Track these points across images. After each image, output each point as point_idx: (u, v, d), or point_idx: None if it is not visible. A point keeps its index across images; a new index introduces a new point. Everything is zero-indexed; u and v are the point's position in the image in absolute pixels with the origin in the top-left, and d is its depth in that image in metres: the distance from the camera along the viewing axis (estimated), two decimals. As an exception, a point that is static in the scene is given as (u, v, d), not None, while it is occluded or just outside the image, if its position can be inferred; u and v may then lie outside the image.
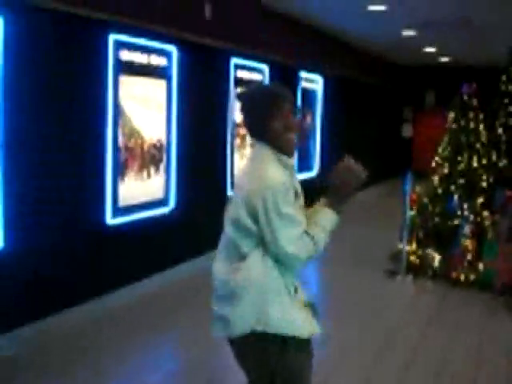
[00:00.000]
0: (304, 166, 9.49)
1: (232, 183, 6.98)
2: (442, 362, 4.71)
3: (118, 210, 5.41)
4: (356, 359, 4.72)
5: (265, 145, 2.60)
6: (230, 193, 7.05)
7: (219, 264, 2.65)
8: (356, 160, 2.64)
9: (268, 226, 2.49)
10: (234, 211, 2.58)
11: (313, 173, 9.92)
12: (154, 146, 5.84)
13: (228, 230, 2.62)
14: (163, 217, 6.08)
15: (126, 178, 5.47)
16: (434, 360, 4.73)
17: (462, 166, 7.05)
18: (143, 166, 5.68)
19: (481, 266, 6.55)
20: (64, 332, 4.82)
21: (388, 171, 14.34)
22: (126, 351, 4.69)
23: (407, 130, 15.80)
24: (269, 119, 2.57)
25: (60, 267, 4.89)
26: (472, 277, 6.56)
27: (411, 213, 7.07)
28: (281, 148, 2.60)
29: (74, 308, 5.02)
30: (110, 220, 5.36)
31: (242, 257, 2.55)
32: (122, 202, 5.44)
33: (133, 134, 5.52)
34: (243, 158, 7.28)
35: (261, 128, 2.60)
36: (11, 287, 4.47)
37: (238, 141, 7.38)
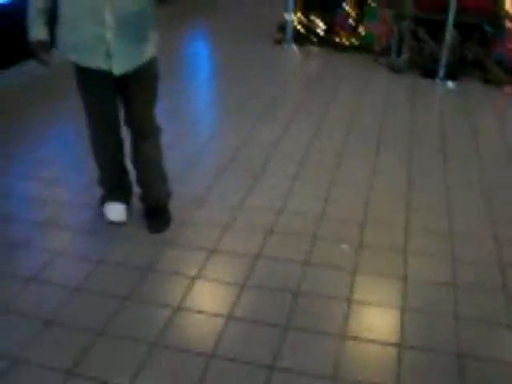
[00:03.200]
0: None
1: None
2: (323, 113, 5.18)
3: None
4: (248, 112, 5.11)
5: None
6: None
7: None
8: None
9: None
10: None
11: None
12: None
13: None
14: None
15: None
16: (315, 112, 5.19)
17: None
18: None
19: (362, 30, 6.91)
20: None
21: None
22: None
23: None
24: None
25: None
26: (354, 41, 6.94)
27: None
28: None
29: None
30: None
31: None
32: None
33: None
34: None
35: None
36: None
37: None
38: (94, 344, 2.58)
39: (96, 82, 3.06)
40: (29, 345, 2.57)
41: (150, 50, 3.08)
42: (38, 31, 2.97)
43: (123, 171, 3.52)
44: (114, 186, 3.53)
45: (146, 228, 3.42)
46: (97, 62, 2.96)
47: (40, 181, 3.93)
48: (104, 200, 3.53)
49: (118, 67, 2.97)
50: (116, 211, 3.49)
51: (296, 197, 3.80)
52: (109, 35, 2.87)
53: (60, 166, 4.16)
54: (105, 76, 3.00)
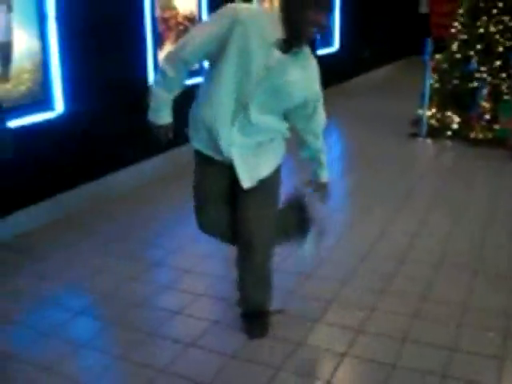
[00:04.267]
0: (324, 42, 9.71)
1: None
2: (460, 205, 5.24)
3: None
4: (383, 205, 5.25)
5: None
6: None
7: None
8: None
9: None
10: None
11: (333, 48, 10.13)
12: (187, 17, 6.15)
13: None
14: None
15: (165, 48, 5.83)
16: (453, 204, 5.26)
17: (479, 31, 7.30)
18: (178, 37, 6.01)
19: (497, 125, 6.97)
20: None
21: (406, 47, 14.42)
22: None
23: (424, 5, 15.68)
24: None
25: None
26: (488, 136, 7.00)
27: (431, 80, 7.41)
28: (296, 33, 2.73)
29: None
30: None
31: None
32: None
33: (167, 4, 5.84)
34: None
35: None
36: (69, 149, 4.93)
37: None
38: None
39: (213, 167, 3.06)
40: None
41: (275, 163, 3.09)
42: (164, 115, 2.99)
43: None
44: None
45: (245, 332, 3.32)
46: (220, 156, 2.99)
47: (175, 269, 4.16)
48: None
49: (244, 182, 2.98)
50: None
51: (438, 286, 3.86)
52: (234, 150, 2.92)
53: (192, 255, 4.33)
54: (224, 166, 3.01)
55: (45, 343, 3.23)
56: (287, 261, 4.03)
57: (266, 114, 2.89)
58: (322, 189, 3.30)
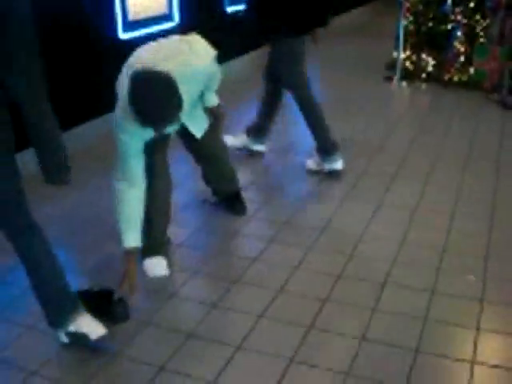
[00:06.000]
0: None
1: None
2: (437, 147, 5.25)
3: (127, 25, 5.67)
4: (359, 150, 5.25)
5: None
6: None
7: None
8: None
9: None
10: None
11: None
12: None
13: None
14: (170, 32, 6.28)
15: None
16: (430, 146, 5.27)
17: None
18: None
19: (472, 67, 6.94)
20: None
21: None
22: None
23: None
24: None
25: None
26: (464, 78, 6.98)
27: (405, 22, 7.32)
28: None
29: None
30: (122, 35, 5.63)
31: None
32: (131, 17, 5.70)
33: None
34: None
35: None
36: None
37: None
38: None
39: None
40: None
41: None
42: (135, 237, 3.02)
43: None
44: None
45: (232, 213, 4.05)
46: None
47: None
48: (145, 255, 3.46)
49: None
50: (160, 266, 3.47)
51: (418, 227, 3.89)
52: None
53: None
54: None
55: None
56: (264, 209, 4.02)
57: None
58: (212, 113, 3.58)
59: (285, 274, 3.40)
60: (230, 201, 4.12)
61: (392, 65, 7.42)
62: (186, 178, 4.55)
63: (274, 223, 3.96)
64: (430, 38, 7.21)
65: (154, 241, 3.44)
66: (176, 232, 3.80)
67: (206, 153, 3.76)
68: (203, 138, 3.56)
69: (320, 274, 3.39)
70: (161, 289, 3.29)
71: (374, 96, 6.76)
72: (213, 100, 3.54)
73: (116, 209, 2.98)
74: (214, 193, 4.13)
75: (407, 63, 7.31)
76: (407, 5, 7.35)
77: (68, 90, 5.07)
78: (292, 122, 5.59)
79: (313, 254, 3.59)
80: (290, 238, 3.79)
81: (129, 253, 2.99)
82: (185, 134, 3.53)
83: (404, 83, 7.23)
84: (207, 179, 4.02)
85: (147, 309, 3.12)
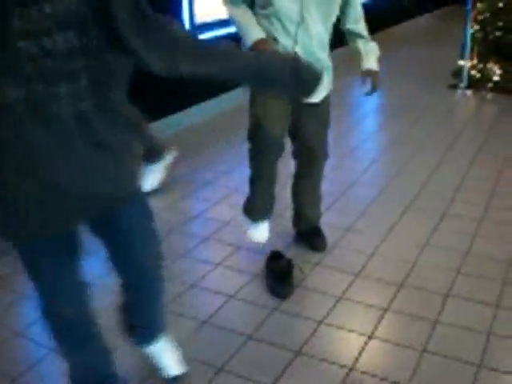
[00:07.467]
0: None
1: None
2: (503, 158, 5.15)
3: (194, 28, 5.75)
4: (425, 156, 5.18)
5: None
6: None
7: None
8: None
9: None
10: None
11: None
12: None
13: None
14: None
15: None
16: (495, 157, 5.17)
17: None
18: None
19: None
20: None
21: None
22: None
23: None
24: None
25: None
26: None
27: (472, 30, 7.19)
28: None
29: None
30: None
31: None
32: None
33: None
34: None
35: None
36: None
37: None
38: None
39: None
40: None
41: (329, 87, 3.34)
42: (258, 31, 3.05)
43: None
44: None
45: (310, 248, 3.67)
46: None
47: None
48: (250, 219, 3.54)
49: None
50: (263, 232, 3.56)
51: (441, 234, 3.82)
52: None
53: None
54: None
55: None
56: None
57: (320, 24, 3.06)
58: (372, 76, 3.46)
59: (345, 282, 3.38)
60: (310, 235, 3.73)
61: (458, 72, 7.31)
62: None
63: (336, 229, 3.95)
64: (497, 47, 7.07)
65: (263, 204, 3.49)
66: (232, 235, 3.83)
67: (308, 148, 3.42)
68: (317, 133, 3.37)
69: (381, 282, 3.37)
70: (219, 290, 3.32)
71: (438, 104, 6.66)
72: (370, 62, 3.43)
73: (236, 26, 3.11)
74: (294, 222, 3.79)
75: (473, 71, 7.18)
76: (474, 13, 7.24)
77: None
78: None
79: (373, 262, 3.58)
80: (352, 244, 3.77)
81: (258, 43, 3.01)
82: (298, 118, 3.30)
83: (469, 92, 7.10)
84: (297, 201, 3.69)
85: (205, 309, 3.15)
